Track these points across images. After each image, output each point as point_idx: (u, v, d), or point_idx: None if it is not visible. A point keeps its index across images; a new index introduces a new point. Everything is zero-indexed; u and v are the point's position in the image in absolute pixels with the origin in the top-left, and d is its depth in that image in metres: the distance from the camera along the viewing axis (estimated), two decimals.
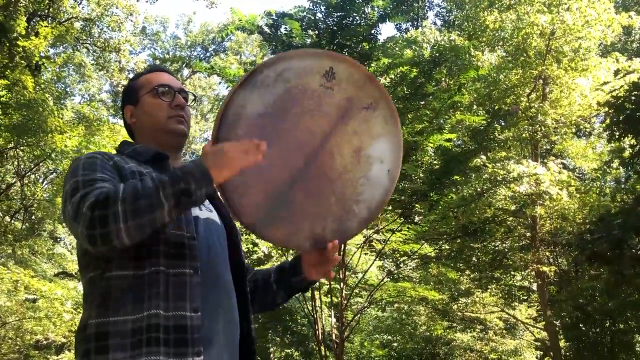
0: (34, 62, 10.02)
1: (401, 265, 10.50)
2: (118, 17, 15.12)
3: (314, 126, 1.49)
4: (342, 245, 7.45)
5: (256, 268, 1.85)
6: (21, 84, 8.85)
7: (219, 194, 1.52)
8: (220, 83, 26.00)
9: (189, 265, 1.40)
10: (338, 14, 7.52)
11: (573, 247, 10.71)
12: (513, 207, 11.33)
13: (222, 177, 1.36)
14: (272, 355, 14.82)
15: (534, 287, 12.89)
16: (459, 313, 13.57)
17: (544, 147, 13.81)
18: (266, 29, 8.00)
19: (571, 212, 11.22)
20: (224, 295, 1.49)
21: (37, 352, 12.43)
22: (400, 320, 14.03)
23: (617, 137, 8.44)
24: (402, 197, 8.87)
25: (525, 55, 12.06)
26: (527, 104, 12.04)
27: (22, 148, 10.01)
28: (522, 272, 13.00)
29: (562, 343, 12.15)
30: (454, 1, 16.18)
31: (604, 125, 9.98)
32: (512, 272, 12.87)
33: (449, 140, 8.77)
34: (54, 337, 11.60)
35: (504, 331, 14.45)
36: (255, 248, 9.39)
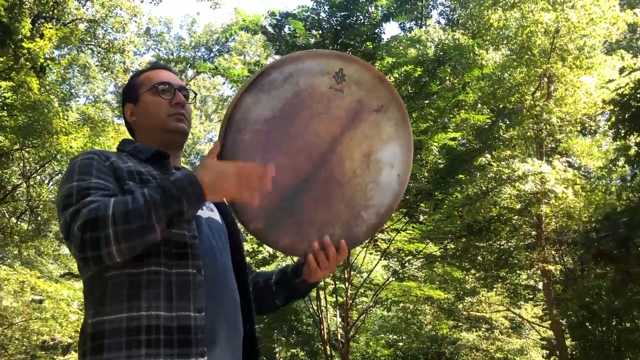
0: (39, 63, 10.05)
1: (406, 264, 10.49)
2: (122, 18, 15.16)
3: (323, 130, 1.46)
4: None
5: (262, 269, 1.84)
6: (26, 85, 8.87)
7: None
8: (224, 83, 26.08)
9: (192, 264, 1.38)
10: (342, 13, 7.54)
11: (579, 245, 10.67)
12: (518, 206, 11.30)
13: (215, 199, 1.33)
14: (277, 355, 14.85)
15: (540, 286, 12.86)
16: (464, 312, 13.55)
17: (549, 145, 13.76)
18: (270, 29, 8.02)
19: (577, 211, 11.19)
20: (227, 296, 1.48)
21: (43, 352, 12.46)
22: (405, 320, 14.03)
23: (622, 135, 8.42)
24: (407, 196, 8.86)
25: (529, 53, 12.03)
26: (532, 102, 12.01)
27: (27, 149, 10.03)
28: (528, 271, 12.98)
29: (568, 342, 12.12)
30: (458, 0, 16.14)
31: (609, 123, 9.93)
32: (518, 271, 12.84)
33: (453, 139, 8.77)
34: (61, 337, 11.62)
35: (510, 330, 14.42)
36: (260, 248, 9.40)
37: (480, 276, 12.62)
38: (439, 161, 9.58)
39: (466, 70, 8.85)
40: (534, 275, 13.07)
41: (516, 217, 11.85)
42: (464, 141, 12.03)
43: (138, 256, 1.33)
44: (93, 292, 1.37)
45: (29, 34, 10.16)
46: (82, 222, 1.25)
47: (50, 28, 10.35)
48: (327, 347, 8.74)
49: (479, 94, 12.29)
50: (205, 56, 27.11)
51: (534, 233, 12.23)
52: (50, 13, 12.75)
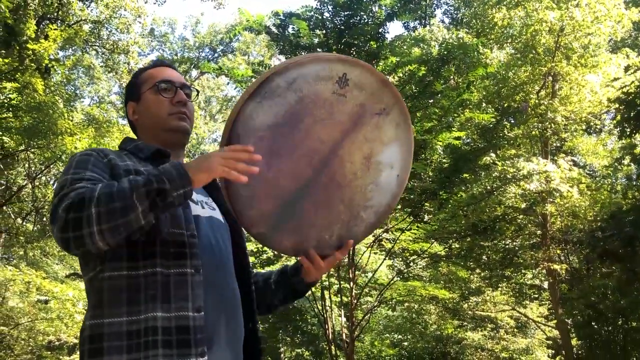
0: (44, 64, 10.07)
1: (411, 264, 10.47)
2: (126, 19, 15.19)
3: (325, 135, 1.45)
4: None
5: (266, 269, 1.84)
6: (31, 86, 8.88)
7: (227, 203, 1.48)
8: (228, 84, 26.08)
9: (190, 264, 1.37)
10: (345, 13, 7.52)
11: (584, 244, 10.64)
12: (523, 205, 11.27)
13: (200, 179, 1.31)
14: (282, 354, 14.86)
15: (545, 285, 12.83)
16: (469, 312, 13.53)
17: (554, 144, 13.72)
18: (274, 29, 8.01)
19: (582, 210, 11.15)
20: (228, 295, 1.47)
21: (49, 352, 12.50)
22: (410, 320, 14.02)
23: (628, 133, 8.39)
24: (412, 195, 8.85)
25: (534, 52, 12.00)
26: (537, 101, 11.98)
27: (32, 150, 10.05)
28: (533, 270, 12.95)
29: (574, 341, 12.08)
30: None
31: (614, 121, 9.90)
32: (523, 271, 12.82)
33: (458, 138, 8.75)
34: (66, 337, 11.67)
35: (515, 330, 14.38)
36: (265, 248, 9.40)
37: (485, 275, 12.59)
38: (444, 160, 9.57)
39: (470, 69, 8.83)
40: (539, 275, 13.03)
41: (521, 216, 11.82)
42: (468, 140, 12.02)
43: (135, 258, 1.32)
44: (91, 294, 1.36)
45: (33, 36, 10.20)
46: (68, 204, 1.25)
47: (54, 29, 10.37)
48: (332, 347, 8.73)
49: (484, 93, 12.27)
50: (209, 56, 27.19)
51: (539, 232, 12.20)
52: (55, 14, 12.79)
